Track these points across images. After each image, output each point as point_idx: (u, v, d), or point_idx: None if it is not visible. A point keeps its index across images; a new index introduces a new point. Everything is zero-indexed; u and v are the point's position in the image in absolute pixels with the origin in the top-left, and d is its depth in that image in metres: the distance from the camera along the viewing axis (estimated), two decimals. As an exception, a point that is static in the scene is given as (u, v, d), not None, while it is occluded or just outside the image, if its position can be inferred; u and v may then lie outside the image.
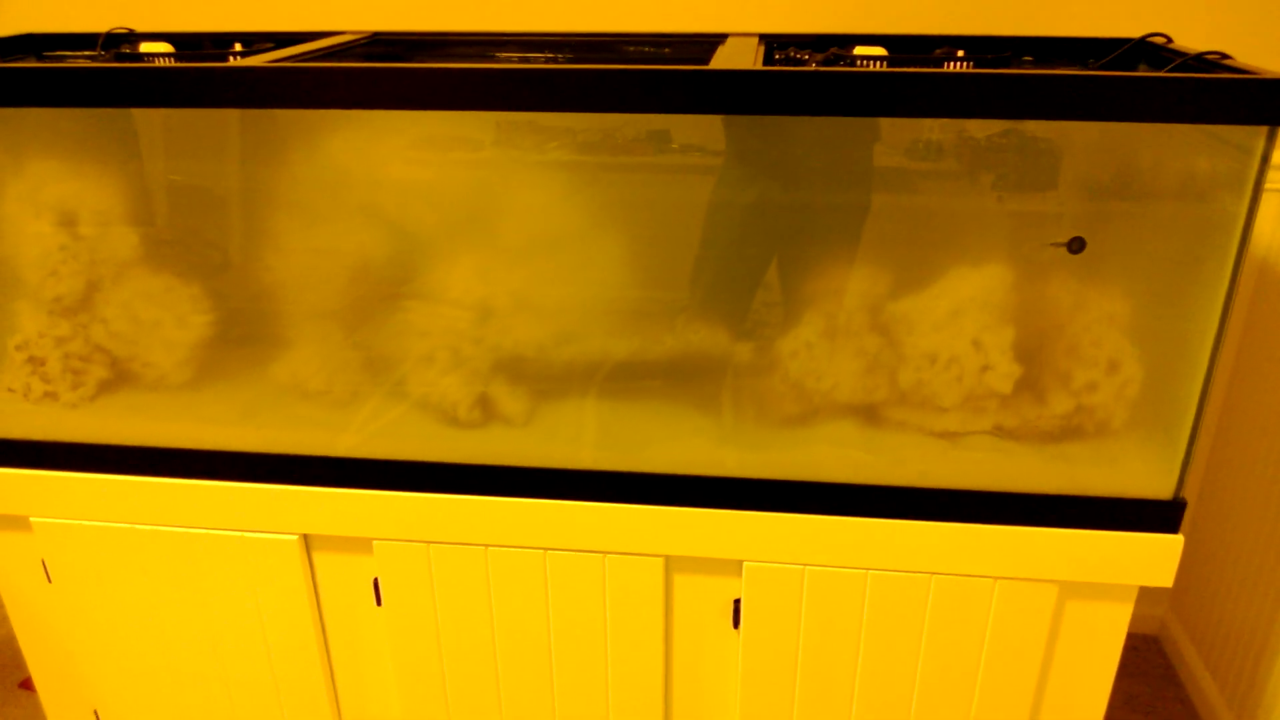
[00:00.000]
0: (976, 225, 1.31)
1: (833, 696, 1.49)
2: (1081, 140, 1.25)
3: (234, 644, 1.61)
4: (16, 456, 1.52)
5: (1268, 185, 1.27)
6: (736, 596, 1.46)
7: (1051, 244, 1.28)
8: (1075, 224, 1.27)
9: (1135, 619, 2.31)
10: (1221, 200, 1.21)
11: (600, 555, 1.44)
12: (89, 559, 1.57)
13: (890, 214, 1.33)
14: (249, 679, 1.64)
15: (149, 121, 1.41)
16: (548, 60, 1.67)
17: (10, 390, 1.53)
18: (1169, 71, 1.24)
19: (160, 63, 1.29)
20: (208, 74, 1.25)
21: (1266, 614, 1.83)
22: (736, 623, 1.47)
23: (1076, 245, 1.27)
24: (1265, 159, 1.17)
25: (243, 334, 1.54)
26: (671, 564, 1.45)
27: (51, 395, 1.52)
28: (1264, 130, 1.15)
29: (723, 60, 1.33)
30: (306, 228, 1.42)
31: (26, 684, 2.23)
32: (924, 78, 1.15)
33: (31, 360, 1.50)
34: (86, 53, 1.66)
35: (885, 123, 1.27)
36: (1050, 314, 1.34)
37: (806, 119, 1.25)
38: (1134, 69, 1.49)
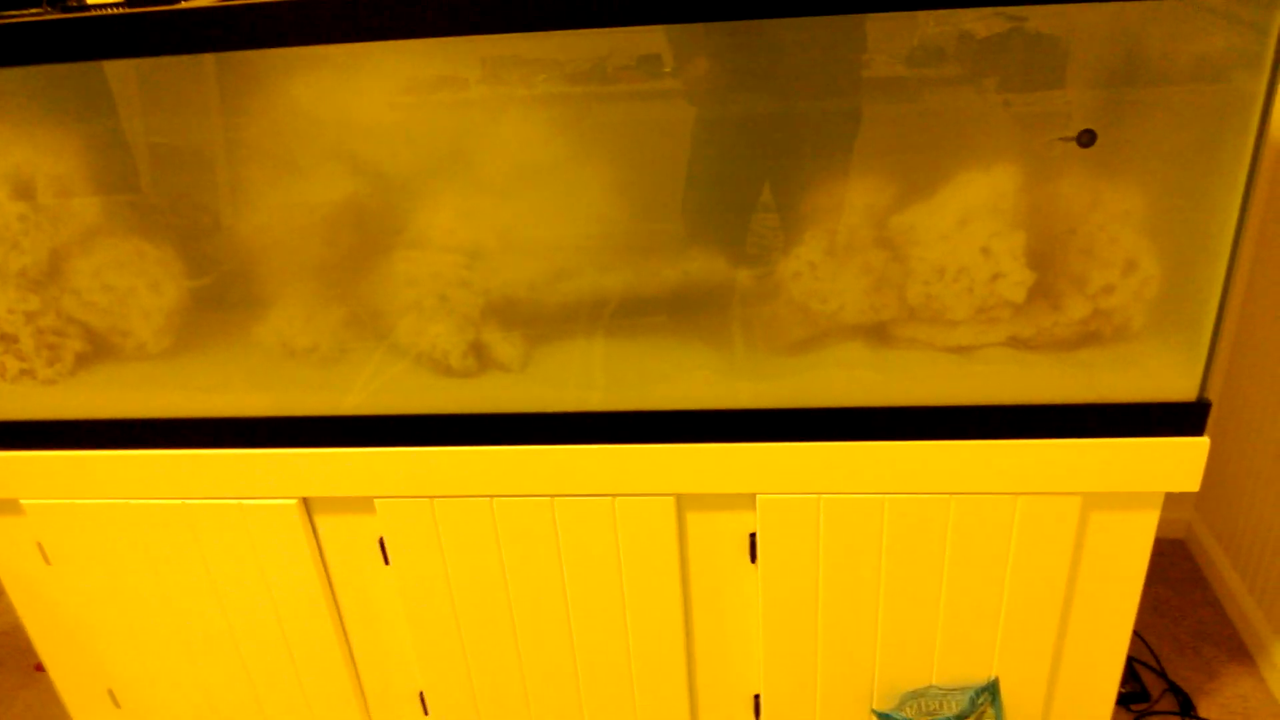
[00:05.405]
0: (981, 126, 1.25)
1: (856, 625, 1.46)
2: (1087, 28, 1.18)
3: (243, 613, 1.58)
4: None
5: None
6: (752, 530, 1.42)
7: (1060, 138, 1.22)
8: (1085, 119, 1.21)
9: (1161, 524, 2.28)
10: (1237, 81, 1.16)
11: (609, 498, 1.41)
12: (85, 538, 1.54)
13: (890, 121, 1.27)
14: (262, 647, 1.61)
15: (102, 77, 1.35)
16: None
17: (-14, 370, 1.49)
18: (1175, -54, 1.17)
19: (111, 12, 1.23)
20: (161, 18, 1.20)
21: (1296, 511, 1.80)
22: (754, 557, 1.44)
23: (1086, 138, 1.21)
24: (1283, 33, 1.10)
25: (221, 296, 1.49)
26: (683, 502, 1.42)
27: (28, 373, 1.48)
28: (1280, 2, 1.08)
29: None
30: (281, 180, 1.37)
31: (42, 667, 2.21)
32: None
33: (3, 338, 1.45)
34: (33, 10, 1.59)
35: (883, 26, 1.20)
36: (1062, 215, 1.28)
37: (789, 22, 1.18)
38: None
